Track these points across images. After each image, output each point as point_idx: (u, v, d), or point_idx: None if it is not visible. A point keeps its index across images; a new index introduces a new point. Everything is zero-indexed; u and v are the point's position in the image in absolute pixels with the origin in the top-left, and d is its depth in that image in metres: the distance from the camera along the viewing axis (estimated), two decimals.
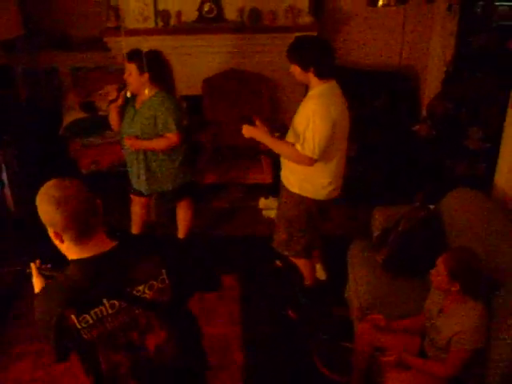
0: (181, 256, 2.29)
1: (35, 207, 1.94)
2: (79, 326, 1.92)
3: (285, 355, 3.80)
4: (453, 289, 2.79)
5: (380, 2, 5.76)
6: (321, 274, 4.41)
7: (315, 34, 5.23)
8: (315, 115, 3.38)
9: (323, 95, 3.46)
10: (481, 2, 6.68)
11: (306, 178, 3.65)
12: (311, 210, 3.76)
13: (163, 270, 2.05)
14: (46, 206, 1.89)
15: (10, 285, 4.41)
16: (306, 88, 5.60)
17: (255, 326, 4.03)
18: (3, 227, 4.85)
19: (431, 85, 5.83)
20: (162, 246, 2.20)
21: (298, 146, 3.46)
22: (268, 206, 5.32)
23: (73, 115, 5.71)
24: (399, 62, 6.17)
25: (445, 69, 5.67)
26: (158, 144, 4.03)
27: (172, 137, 4.00)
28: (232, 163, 5.50)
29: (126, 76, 3.98)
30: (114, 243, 2.03)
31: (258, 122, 3.62)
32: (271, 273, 4.56)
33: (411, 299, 3.43)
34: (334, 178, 3.69)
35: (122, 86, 4.07)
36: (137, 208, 4.53)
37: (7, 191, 5.05)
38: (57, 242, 1.98)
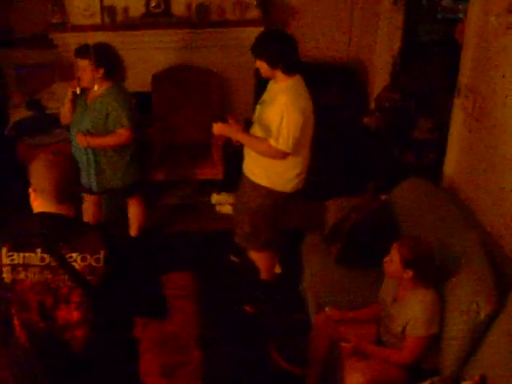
0: (131, 259, 2.27)
1: None
2: (3, 261, 2.04)
3: (243, 350, 3.79)
4: (405, 276, 2.84)
5: None
6: (276, 267, 4.42)
7: (263, 28, 5.23)
8: (288, 109, 3.40)
9: (293, 89, 3.49)
10: None
11: (274, 170, 3.66)
12: (277, 203, 3.77)
13: (102, 251, 2.08)
14: (38, 165, 2.10)
15: None
16: (255, 83, 5.64)
17: (212, 323, 4.01)
18: None
19: (379, 77, 5.89)
20: (114, 238, 2.24)
21: (272, 141, 3.47)
22: (221, 202, 5.31)
23: (19, 114, 5.58)
24: (347, 55, 6.21)
25: (392, 61, 5.74)
26: (110, 140, 3.98)
27: (124, 132, 3.95)
28: (182, 160, 5.45)
29: (79, 74, 3.90)
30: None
31: (231, 120, 3.60)
32: (227, 268, 4.55)
33: (366, 289, 3.46)
34: (302, 170, 3.72)
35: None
36: (88, 206, 4.46)
37: None
38: (32, 196, 2.15)
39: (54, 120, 4.30)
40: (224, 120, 3.61)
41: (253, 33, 4.26)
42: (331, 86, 5.82)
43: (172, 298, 4.17)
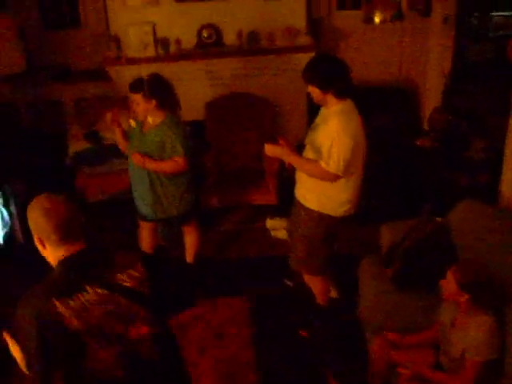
0: (160, 262, 2.42)
1: None
2: (63, 312, 2.00)
3: (299, 375, 3.78)
4: (461, 299, 2.80)
5: (376, 20, 5.85)
6: (332, 292, 4.40)
7: (313, 53, 5.28)
8: (339, 132, 3.40)
9: (344, 113, 3.49)
10: (476, 14, 6.72)
11: (326, 195, 3.66)
12: (330, 227, 3.77)
13: (139, 262, 2.18)
14: (35, 215, 2.10)
15: None
16: (308, 108, 5.68)
17: (267, 347, 4.01)
18: (13, 258, 4.86)
19: (431, 98, 5.87)
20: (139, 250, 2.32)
21: (323, 163, 3.48)
22: (275, 227, 5.33)
23: (78, 145, 5.77)
24: (398, 77, 6.21)
25: (444, 81, 5.70)
26: (166, 165, 4.05)
27: (180, 160, 4.02)
28: (236, 186, 5.51)
29: (133, 107, 4.01)
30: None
31: (281, 142, 3.64)
32: (281, 293, 4.56)
33: (422, 313, 3.41)
34: (353, 195, 3.70)
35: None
36: (145, 233, 4.53)
37: (16, 223, 5.08)
38: (40, 248, 2.16)
39: (111, 150, 4.41)
40: (275, 142, 3.65)
41: (304, 58, 4.30)
42: (384, 109, 5.81)
43: (226, 323, 4.21)
